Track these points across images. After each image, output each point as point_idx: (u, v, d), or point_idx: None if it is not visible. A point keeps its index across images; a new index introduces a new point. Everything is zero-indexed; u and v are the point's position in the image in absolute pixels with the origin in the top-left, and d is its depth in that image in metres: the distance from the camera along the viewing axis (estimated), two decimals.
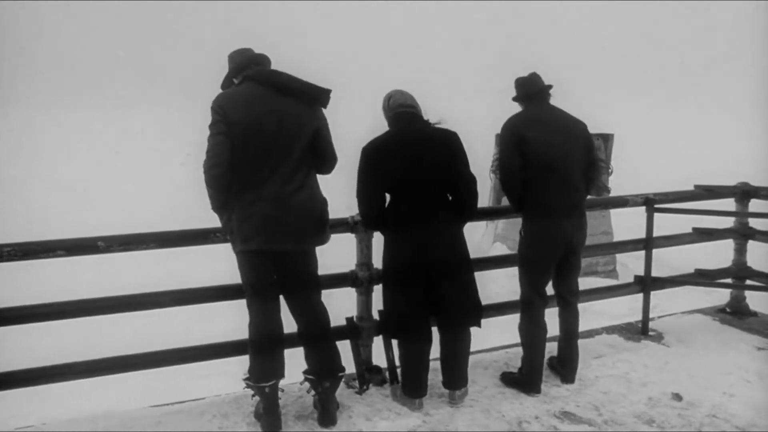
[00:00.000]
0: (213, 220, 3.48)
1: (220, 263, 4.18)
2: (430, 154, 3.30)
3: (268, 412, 3.21)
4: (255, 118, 2.94)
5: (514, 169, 3.56)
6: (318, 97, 3.09)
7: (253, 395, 3.27)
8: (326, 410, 3.29)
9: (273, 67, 3.19)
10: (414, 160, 3.28)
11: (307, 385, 3.35)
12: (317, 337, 3.30)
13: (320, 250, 3.32)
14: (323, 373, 3.27)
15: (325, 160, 3.18)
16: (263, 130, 2.95)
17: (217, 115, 2.95)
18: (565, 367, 3.84)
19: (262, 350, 3.19)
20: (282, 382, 3.26)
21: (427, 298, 3.40)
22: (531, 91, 3.68)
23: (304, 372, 3.33)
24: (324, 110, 3.18)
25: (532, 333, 3.72)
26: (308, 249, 3.22)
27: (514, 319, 3.87)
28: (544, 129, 3.56)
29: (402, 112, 3.39)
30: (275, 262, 3.16)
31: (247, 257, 3.13)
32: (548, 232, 3.61)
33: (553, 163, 3.55)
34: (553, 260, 3.68)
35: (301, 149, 3.05)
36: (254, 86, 3.03)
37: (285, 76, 3.05)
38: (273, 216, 3.01)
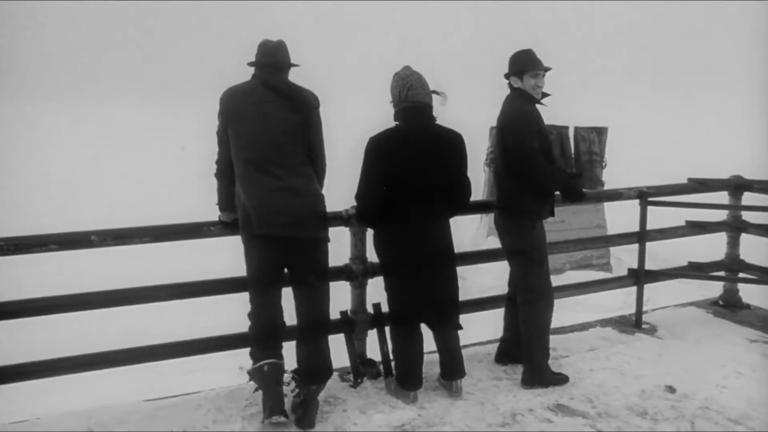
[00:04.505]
0: (206, 215, 3.48)
1: (214, 257, 4.18)
2: (433, 155, 3.30)
3: (269, 394, 3.16)
4: (246, 109, 3.13)
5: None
6: (300, 104, 3.18)
7: (256, 389, 3.26)
8: (307, 413, 3.21)
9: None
10: (417, 159, 3.28)
11: (292, 384, 3.32)
12: (311, 333, 3.29)
13: None
14: (311, 376, 3.25)
15: (314, 157, 3.26)
16: (254, 120, 3.11)
17: (220, 106, 3.20)
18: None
19: (262, 337, 3.22)
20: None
21: (420, 291, 3.41)
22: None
23: (293, 371, 3.31)
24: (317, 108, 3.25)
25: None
26: (315, 238, 3.23)
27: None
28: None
29: (415, 107, 3.32)
30: (284, 251, 3.18)
31: (255, 245, 3.15)
32: None
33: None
34: None
35: (292, 140, 3.15)
36: (254, 83, 3.20)
37: (276, 80, 3.17)
38: (278, 203, 3.08)
